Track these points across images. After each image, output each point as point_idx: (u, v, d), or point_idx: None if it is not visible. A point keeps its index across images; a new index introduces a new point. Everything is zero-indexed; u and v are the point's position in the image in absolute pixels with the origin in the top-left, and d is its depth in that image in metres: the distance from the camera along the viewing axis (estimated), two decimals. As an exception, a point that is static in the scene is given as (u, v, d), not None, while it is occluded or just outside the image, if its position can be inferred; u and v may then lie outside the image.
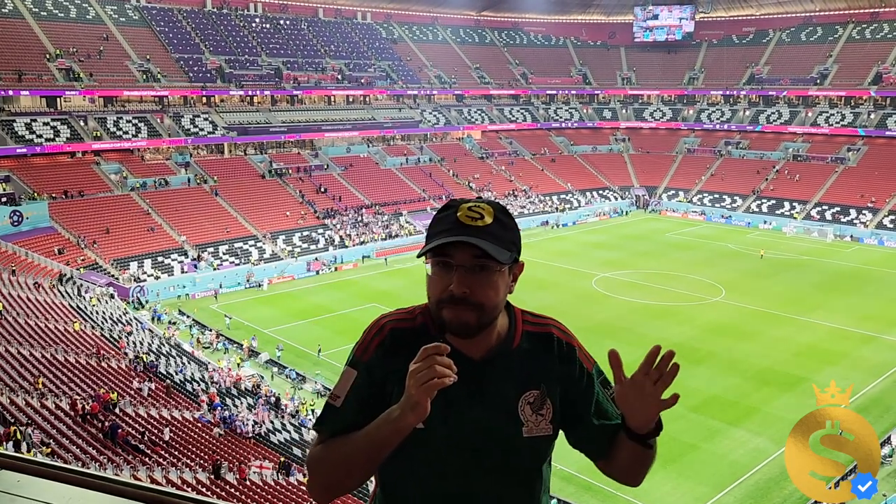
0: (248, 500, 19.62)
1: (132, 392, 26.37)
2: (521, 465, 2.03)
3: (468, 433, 1.96)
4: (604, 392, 2.09)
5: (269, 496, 20.44)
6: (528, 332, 2.06)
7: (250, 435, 25.33)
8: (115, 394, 24.94)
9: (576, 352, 2.09)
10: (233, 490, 20.10)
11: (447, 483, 1.99)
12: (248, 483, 21.08)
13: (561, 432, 2.12)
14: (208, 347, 35.71)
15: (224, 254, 48.33)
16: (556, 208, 67.74)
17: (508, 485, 2.02)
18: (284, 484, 21.78)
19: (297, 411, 28.40)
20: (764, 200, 67.30)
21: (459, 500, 2.00)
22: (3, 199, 44.38)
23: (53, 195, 47.55)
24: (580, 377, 2.07)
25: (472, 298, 1.87)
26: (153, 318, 39.19)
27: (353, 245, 53.24)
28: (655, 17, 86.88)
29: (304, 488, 21.51)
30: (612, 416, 2.08)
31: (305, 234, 53.12)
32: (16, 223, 43.26)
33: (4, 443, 18.13)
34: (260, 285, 45.46)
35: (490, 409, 1.97)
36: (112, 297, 39.73)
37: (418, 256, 1.94)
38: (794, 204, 65.48)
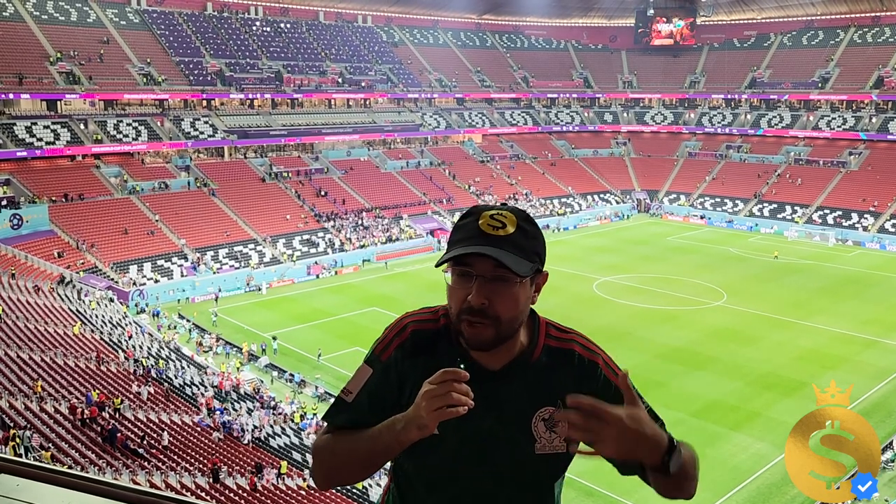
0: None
1: (131, 396, 26.34)
2: (532, 479, 2.00)
3: (481, 443, 1.95)
4: None
5: (268, 500, 20.40)
6: (550, 346, 2.00)
7: (249, 439, 25.29)
8: (119, 398, 24.91)
9: (598, 368, 2.01)
10: (232, 494, 20.06)
11: (458, 489, 1.98)
12: (246, 487, 21.04)
13: None
14: (209, 351, 35.69)
15: (224, 257, 48.33)
16: (557, 212, 67.74)
17: (519, 496, 2.00)
18: (284, 489, 21.74)
19: (292, 415, 28.37)
20: (765, 204, 67.30)
21: None
22: (4, 203, 44.40)
23: (53, 198, 47.59)
24: (604, 393, 1.93)
25: (490, 310, 1.83)
26: (153, 315, 39.80)
27: (354, 248, 53.25)
28: (659, 31, 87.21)
29: (302, 493, 21.49)
30: None
31: (305, 237, 53.12)
32: (16, 226, 43.27)
33: (3, 446, 18.11)
34: (259, 289, 45.44)
35: (504, 422, 1.95)
36: (111, 300, 39.73)
37: (437, 265, 1.89)
38: (795, 208, 65.48)
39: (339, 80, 70.62)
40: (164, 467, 20.83)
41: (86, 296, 38.85)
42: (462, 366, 1.77)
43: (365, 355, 2.05)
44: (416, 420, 1.74)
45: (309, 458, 24.79)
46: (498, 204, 1.99)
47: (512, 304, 1.85)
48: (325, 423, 2.04)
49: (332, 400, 2.06)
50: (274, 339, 35.33)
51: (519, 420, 1.95)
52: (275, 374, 33.07)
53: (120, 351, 31.42)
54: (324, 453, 1.99)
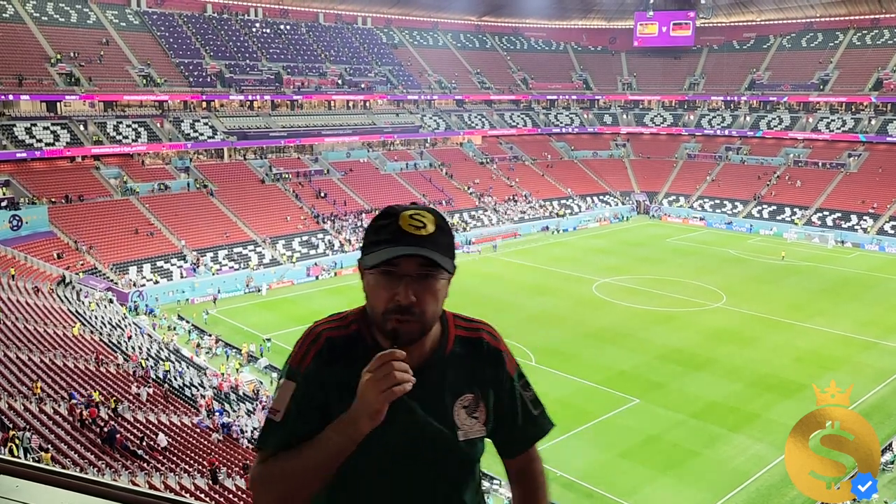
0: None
1: (130, 397, 26.33)
2: (459, 465, 2.07)
3: (407, 439, 1.98)
4: (525, 394, 2.15)
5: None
6: (460, 336, 2.09)
7: (248, 440, 25.27)
8: (114, 399, 24.89)
9: (503, 356, 2.13)
10: (231, 496, 20.04)
11: (391, 484, 2.01)
12: (244, 488, 21.01)
13: None
14: (208, 352, 35.67)
15: (223, 259, 48.33)
16: (557, 213, 67.75)
17: (448, 483, 2.06)
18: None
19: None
20: (765, 206, 67.32)
21: (401, 499, 2.03)
22: (3, 204, 44.37)
23: (53, 200, 47.58)
24: (507, 381, 2.12)
25: (416, 307, 1.89)
26: (146, 314, 40.25)
27: (353, 250, 53.21)
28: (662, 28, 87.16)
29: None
30: (531, 417, 2.16)
31: (305, 238, 53.12)
32: (15, 227, 43.25)
33: (2, 447, 18.10)
34: (259, 290, 45.46)
35: (427, 414, 2.00)
36: (111, 301, 39.74)
37: (367, 268, 1.92)
38: (794, 210, 65.51)
39: (339, 81, 70.64)
40: (163, 468, 20.82)
41: (85, 297, 38.85)
42: (395, 346, 1.84)
43: (281, 372, 2.06)
44: (365, 409, 1.79)
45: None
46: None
47: (435, 299, 1.93)
48: (260, 452, 1.99)
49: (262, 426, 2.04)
50: (268, 340, 35.48)
51: (441, 412, 2.02)
52: (274, 375, 33.04)
53: (119, 352, 31.41)
54: (270, 480, 1.93)
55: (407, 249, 1.86)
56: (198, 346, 36.21)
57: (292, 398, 1.98)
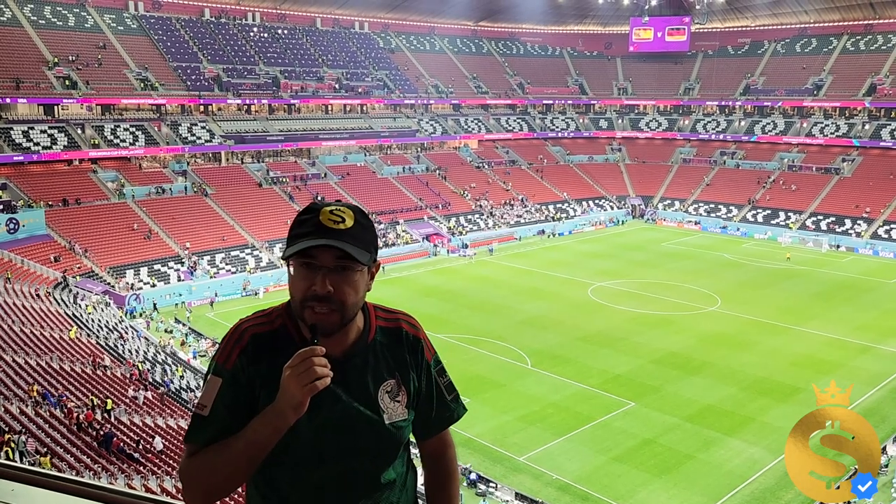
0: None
1: (127, 400, 26.24)
2: (387, 448, 2.16)
3: (334, 426, 2.06)
4: (440, 380, 2.28)
5: None
6: (381, 326, 2.22)
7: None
8: (110, 400, 24.81)
9: (421, 343, 2.26)
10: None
11: (322, 472, 2.08)
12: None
13: None
14: (204, 355, 35.62)
15: (221, 262, 48.26)
16: (552, 217, 67.83)
17: (378, 466, 2.15)
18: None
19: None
20: (759, 210, 67.52)
21: (331, 486, 2.09)
22: (0, 207, 44.26)
23: (50, 203, 47.48)
24: (424, 367, 2.26)
25: (334, 297, 1.98)
26: (133, 313, 40.64)
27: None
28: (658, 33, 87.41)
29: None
30: (444, 401, 2.31)
31: (302, 242, 53.01)
32: (12, 231, 43.13)
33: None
34: (256, 294, 45.40)
35: (353, 402, 2.09)
36: (108, 304, 39.65)
37: (283, 258, 2.03)
38: (789, 214, 65.71)
39: (336, 85, 70.67)
40: (159, 472, 20.76)
41: (82, 300, 38.74)
42: (315, 341, 1.92)
43: (208, 368, 2.11)
44: (289, 402, 1.87)
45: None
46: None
47: (353, 290, 2.02)
48: (188, 445, 2.04)
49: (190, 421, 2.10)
50: None
51: (366, 398, 2.12)
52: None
53: (116, 355, 31.30)
54: (198, 472, 2.00)
55: (320, 241, 1.95)
56: (183, 343, 36.36)
57: (218, 393, 2.04)
